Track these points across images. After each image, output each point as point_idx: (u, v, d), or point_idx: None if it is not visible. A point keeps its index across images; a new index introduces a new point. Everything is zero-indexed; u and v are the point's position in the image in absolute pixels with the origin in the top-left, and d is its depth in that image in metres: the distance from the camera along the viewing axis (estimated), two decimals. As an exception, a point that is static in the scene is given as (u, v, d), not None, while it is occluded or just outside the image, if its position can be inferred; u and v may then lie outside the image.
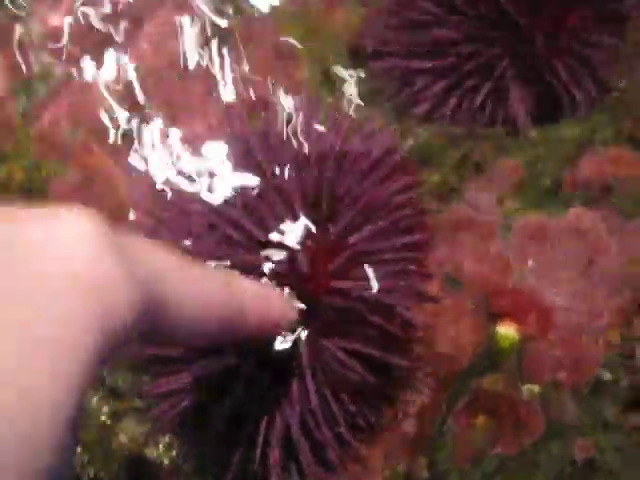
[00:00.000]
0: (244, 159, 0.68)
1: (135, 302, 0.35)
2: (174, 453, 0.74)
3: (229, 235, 0.64)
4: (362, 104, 0.78)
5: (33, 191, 0.81)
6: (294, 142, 0.68)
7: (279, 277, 0.61)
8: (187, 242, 0.66)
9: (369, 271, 0.63)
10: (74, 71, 0.83)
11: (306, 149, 0.67)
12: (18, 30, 0.84)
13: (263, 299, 0.52)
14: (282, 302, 0.56)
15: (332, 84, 0.79)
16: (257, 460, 0.65)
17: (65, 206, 0.35)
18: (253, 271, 0.62)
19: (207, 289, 0.44)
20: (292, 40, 0.81)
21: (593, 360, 0.70)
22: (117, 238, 0.35)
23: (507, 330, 0.70)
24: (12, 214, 0.33)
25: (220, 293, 0.46)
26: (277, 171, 0.66)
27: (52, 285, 0.31)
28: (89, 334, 0.31)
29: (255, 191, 0.66)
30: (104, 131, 0.80)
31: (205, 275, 0.45)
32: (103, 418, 0.76)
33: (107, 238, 0.34)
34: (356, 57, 0.80)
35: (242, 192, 0.66)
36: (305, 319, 0.62)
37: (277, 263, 0.62)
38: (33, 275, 0.31)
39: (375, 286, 0.63)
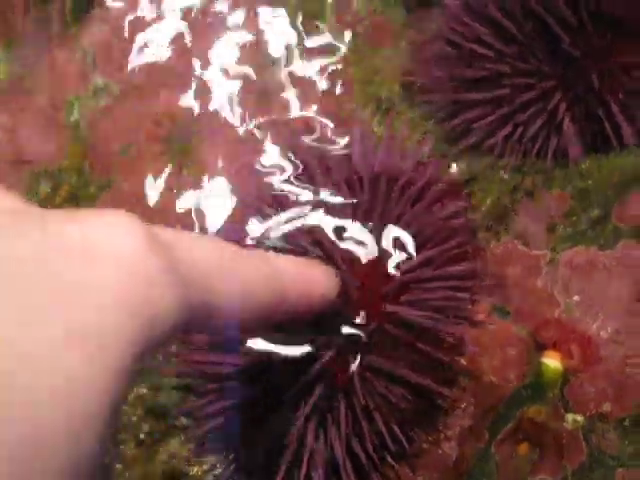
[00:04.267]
0: (302, 183, 0.72)
1: (178, 298, 0.37)
2: (217, 472, 0.77)
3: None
4: (413, 132, 0.81)
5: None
6: (348, 168, 0.71)
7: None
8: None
9: (420, 296, 0.67)
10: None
11: (360, 174, 0.71)
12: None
13: (304, 278, 0.55)
14: (323, 278, 0.58)
15: (384, 113, 0.83)
16: (303, 480, 0.68)
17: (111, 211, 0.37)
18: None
19: (250, 280, 0.47)
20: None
21: (637, 393, 0.73)
22: (160, 237, 0.38)
23: (552, 361, 0.74)
24: (63, 215, 0.36)
25: (262, 281, 0.49)
26: (332, 195, 0.69)
27: (99, 280, 0.33)
28: (133, 327, 0.34)
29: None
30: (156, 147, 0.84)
31: (247, 265, 0.48)
32: (142, 437, 0.80)
33: (151, 238, 0.37)
34: (407, 87, 0.84)
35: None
36: (357, 343, 0.65)
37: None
38: (83, 268, 0.33)
39: (425, 312, 0.66)
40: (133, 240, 0.36)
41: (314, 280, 0.57)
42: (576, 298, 0.76)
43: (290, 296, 0.52)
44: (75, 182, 0.87)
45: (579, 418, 0.73)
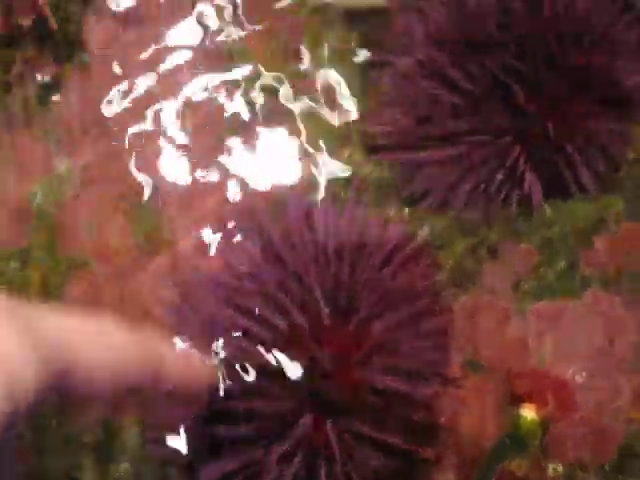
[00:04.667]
0: (265, 252, 0.73)
1: (38, 371, 0.39)
2: None
3: (247, 326, 0.69)
4: (375, 194, 0.83)
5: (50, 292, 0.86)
6: (312, 235, 0.73)
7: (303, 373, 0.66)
8: (202, 336, 0.71)
9: (392, 359, 0.68)
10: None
11: (324, 242, 0.72)
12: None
13: (182, 363, 0.56)
14: (204, 365, 0.61)
15: (346, 179, 0.84)
16: None
17: None
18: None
19: (120, 355, 0.48)
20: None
21: (615, 437, 0.74)
22: (21, 311, 0.40)
23: (529, 412, 0.75)
24: None
25: (134, 359, 0.50)
26: (297, 263, 0.71)
27: None
28: None
29: (275, 282, 0.71)
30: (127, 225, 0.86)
31: (121, 340, 0.49)
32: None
33: (10, 312, 0.39)
34: (368, 147, 0.85)
35: (262, 283, 0.71)
36: (331, 409, 0.66)
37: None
38: None
39: (398, 376, 0.67)
40: None
41: (196, 367, 0.59)
42: (548, 346, 0.77)
43: (166, 374, 0.53)
44: (46, 262, 0.88)
45: (559, 467, 0.74)
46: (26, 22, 0.93)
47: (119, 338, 0.49)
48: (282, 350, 0.68)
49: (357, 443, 0.68)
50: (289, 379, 0.68)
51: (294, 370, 0.68)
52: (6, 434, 0.35)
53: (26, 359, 0.38)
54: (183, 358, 0.57)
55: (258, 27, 0.91)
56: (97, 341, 0.46)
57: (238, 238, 0.78)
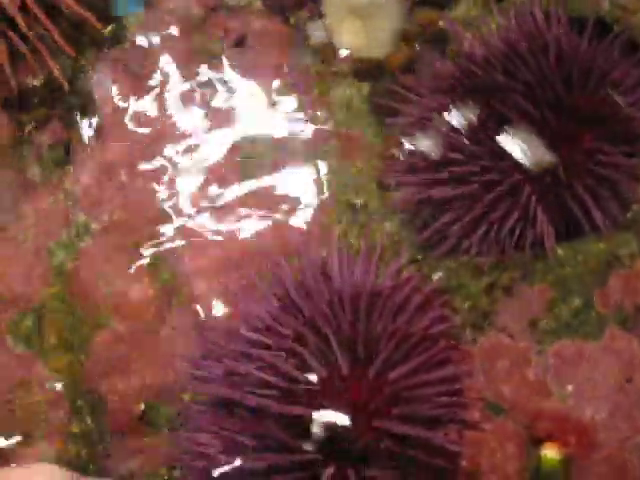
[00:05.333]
0: (281, 301, 0.74)
1: None
2: None
3: (266, 380, 0.70)
4: (389, 240, 0.84)
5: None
6: (328, 284, 0.74)
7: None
8: (225, 390, 0.72)
9: (411, 407, 0.69)
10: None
11: (339, 290, 0.73)
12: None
13: None
14: None
15: (360, 226, 0.86)
16: None
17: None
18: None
19: None
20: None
21: (637, 474, 0.74)
22: None
23: (551, 451, 0.75)
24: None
25: None
26: (313, 312, 0.72)
27: None
28: None
29: (292, 333, 0.72)
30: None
31: None
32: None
33: None
34: (381, 193, 0.87)
35: (280, 336, 0.72)
36: (352, 458, 0.67)
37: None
38: None
39: (417, 424, 0.68)
40: None
41: None
42: (568, 387, 0.77)
43: None
44: (66, 322, 0.90)
45: (582, 508, 0.75)
46: (36, 82, 0.94)
47: None
48: (302, 401, 0.69)
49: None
50: (309, 430, 0.69)
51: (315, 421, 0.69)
52: None
53: None
54: None
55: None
56: None
57: (255, 287, 0.80)
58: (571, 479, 0.76)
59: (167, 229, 0.90)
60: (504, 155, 0.81)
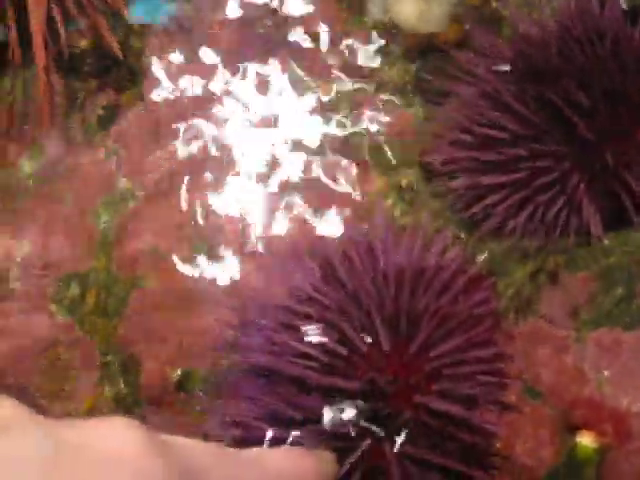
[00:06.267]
0: (325, 275, 0.75)
1: None
2: None
3: (307, 351, 0.70)
4: (434, 218, 0.84)
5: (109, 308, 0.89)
6: (372, 260, 0.74)
7: (361, 394, 0.68)
8: (263, 358, 0.72)
9: (451, 385, 0.69)
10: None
11: (384, 266, 0.73)
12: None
13: (301, 473, 0.57)
14: (321, 469, 0.61)
15: (404, 203, 0.86)
16: None
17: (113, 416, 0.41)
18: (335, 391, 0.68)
19: (244, 477, 0.50)
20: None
21: (673, 468, 0.75)
22: (160, 438, 0.42)
23: (587, 440, 0.75)
24: (65, 423, 0.39)
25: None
26: (357, 287, 0.72)
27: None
28: None
29: (335, 307, 0.72)
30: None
31: (242, 463, 0.52)
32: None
33: (150, 439, 0.41)
34: (427, 174, 0.87)
35: (322, 308, 0.73)
36: (390, 432, 0.67)
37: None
38: (90, 473, 0.37)
39: (456, 402, 0.69)
40: (134, 443, 0.39)
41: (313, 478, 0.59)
42: (606, 374, 0.78)
43: None
44: (104, 283, 0.90)
45: (616, 498, 0.75)
46: (87, 46, 0.95)
47: (238, 459, 0.51)
48: (341, 373, 0.70)
49: (414, 466, 0.69)
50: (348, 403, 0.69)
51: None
52: None
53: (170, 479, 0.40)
54: (297, 467, 0.58)
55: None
56: (222, 464, 0.48)
57: (299, 261, 0.80)
58: (604, 468, 0.76)
59: (212, 197, 0.90)
60: (554, 141, 0.81)
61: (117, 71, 0.96)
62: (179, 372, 0.87)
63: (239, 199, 0.90)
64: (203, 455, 0.46)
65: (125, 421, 0.40)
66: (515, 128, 0.82)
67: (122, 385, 0.89)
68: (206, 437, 0.81)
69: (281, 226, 0.87)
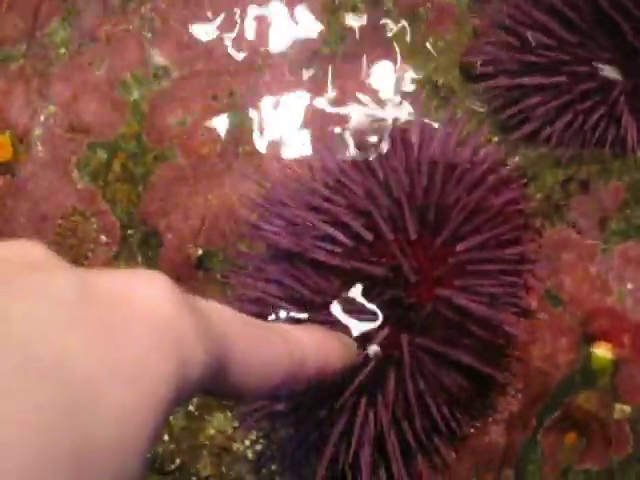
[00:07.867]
0: (356, 164, 0.75)
1: (206, 357, 0.40)
2: (258, 448, 0.80)
3: (332, 233, 0.70)
4: (470, 119, 0.84)
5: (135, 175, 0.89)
6: (406, 149, 0.74)
7: (383, 282, 0.68)
8: (288, 241, 0.72)
9: (474, 281, 0.69)
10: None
11: (417, 157, 0.73)
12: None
13: (322, 350, 0.57)
14: (342, 351, 0.61)
15: (440, 98, 0.86)
16: (349, 459, 0.70)
17: (142, 269, 0.41)
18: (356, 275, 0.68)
19: (270, 347, 0.50)
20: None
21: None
22: (189, 298, 0.42)
23: (603, 351, 0.76)
24: (97, 272, 0.39)
25: (283, 351, 0.51)
26: (388, 175, 0.72)
27: (135, 332, 0.36)
28: (165, 379, 0.36)
29: (363, 192, 0.72)
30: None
31: (268, 333, 0.51)
32: (191, 408, 0.83)
33: (181, 296, 0.40)
34: (466, 71, 0.86)
35: (350, 192, 0.72)
36: (408, 324, 0.68)
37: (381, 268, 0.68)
38: (121, 320, 0.36)
39: (478, 299, 0.69)
40: (165, 296, 0.39)
41: (333, 355, 0.59)
42: (629, 286, 0.78)
43: (308, 370, 0.54)
44: (132, 151, 0.90)
45: (627, 408, 0.76)
46: None
47: (264, 330, 0.51)
48: (365, 259, 0.70)
49: (429, 358, 0.70)
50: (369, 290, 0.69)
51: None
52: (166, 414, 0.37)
53: (198, 336, 0.40)
54: (324, 349, 0.58)
55: None
56: (249, 332, 0.48)
57: (330, 145, 0.80)
58: (619, 380, 0.77)
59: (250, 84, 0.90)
60: (600, 48, 0.80)
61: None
62: (200, 251, 0.87)
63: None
64: (231, 321, 0.46)
65: (160, 276, 0.40)
66: (561, 32, 0.81)
67: (140, 259, 0.89)
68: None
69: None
